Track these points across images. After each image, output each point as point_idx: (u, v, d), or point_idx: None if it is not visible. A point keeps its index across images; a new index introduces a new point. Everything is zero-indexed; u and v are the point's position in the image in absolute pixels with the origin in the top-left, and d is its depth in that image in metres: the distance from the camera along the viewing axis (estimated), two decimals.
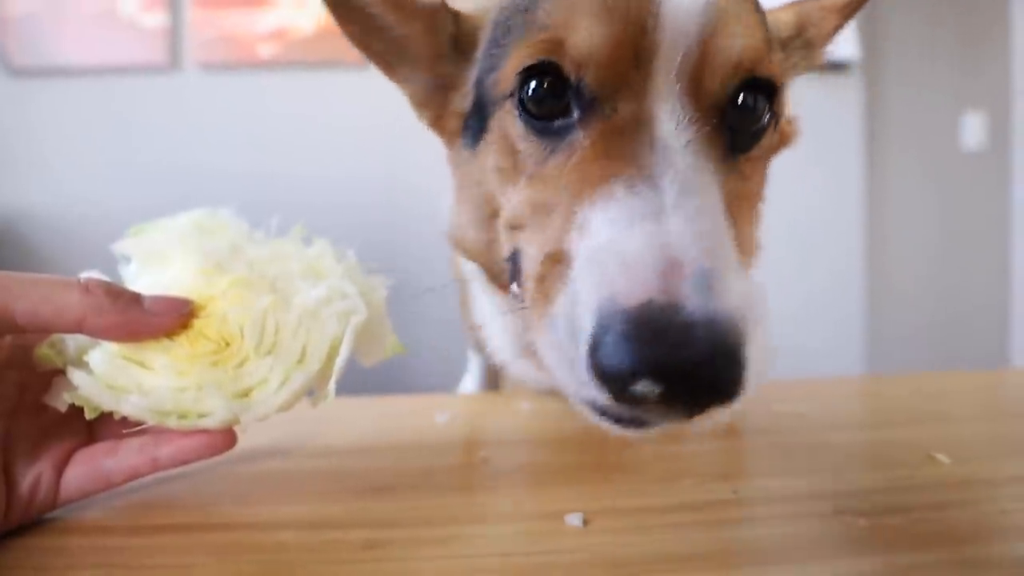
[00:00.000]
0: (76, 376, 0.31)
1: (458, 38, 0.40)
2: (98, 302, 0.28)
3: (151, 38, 1.88)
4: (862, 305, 1.82)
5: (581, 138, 0.29)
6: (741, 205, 0.30)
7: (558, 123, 0.30)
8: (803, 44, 0.41)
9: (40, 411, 0.31)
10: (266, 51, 1.90)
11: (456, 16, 0.41)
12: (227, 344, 0.32)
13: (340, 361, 0.33)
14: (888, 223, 2.15)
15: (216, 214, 0.38)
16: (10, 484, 0.29)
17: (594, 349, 0.21)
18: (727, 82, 0.29)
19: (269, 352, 0.32)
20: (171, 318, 0.31)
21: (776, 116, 0.32)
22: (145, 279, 0.35)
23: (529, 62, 0.30)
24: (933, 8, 2.17)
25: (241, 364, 0.32)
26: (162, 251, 0.36)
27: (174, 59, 1.90)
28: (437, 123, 0.42)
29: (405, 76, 0.42)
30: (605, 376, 0.20)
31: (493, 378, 0.73)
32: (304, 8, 1.91)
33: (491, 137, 0.34)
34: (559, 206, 0.28)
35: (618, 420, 0.24)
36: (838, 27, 0.42)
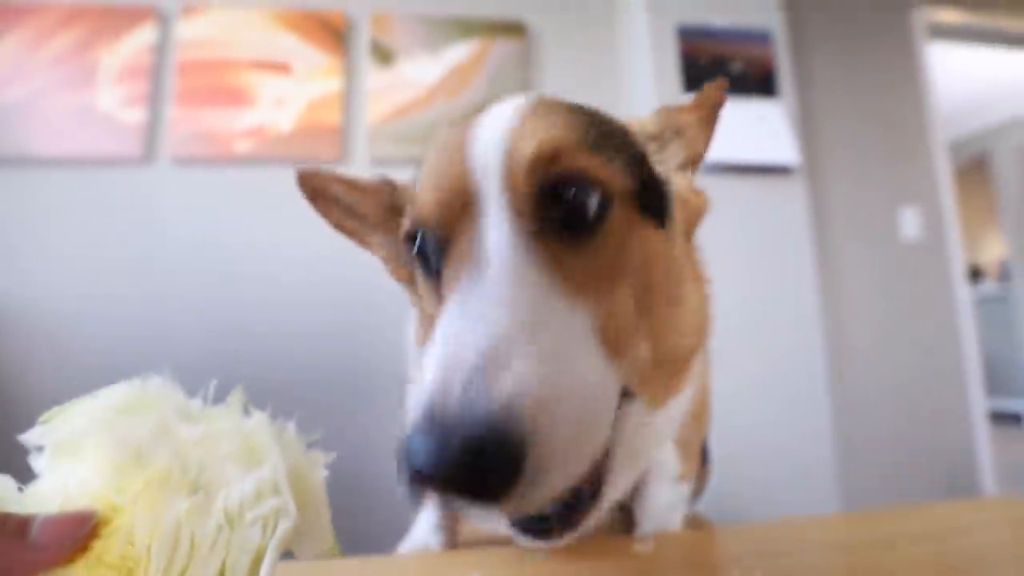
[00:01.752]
0: None
1: (394, 205, 0.49)
2: None
3: (127, 132, 1.92)
4: (824, 385, 1.85)
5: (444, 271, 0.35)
6: (607, 281, 0.34)
7: (437, 264, 0.37)
8: (673, 132, 0.47)
9: None
10: (242, 147, 1.95)
11: (393, 188, 0.50)
12: (130, 571, 0.27)
13: (266, 571, 0.29)
14: (842, 308, 2.24)
15: (145, 388, 0.33)
16: None
17: (403, 454, 0.25)
18: (531, 182, 0.34)
19: (182, 572, 0.28)
20: (63, 551, 0.26)
21: (609, 198, 0.35)
22: (51, 478, 0.30)
23: (407, 231, 0.39)
24: (860, 117, 2.43)
25: None
26: (76, 441, 0.31)
27: (149, 153, 1.92)
28: (397, 274, 0.50)
29: (374, 243, 0.51)
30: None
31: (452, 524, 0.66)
32: (284, 107, 1.99)
33: (418, 278, 0.42)
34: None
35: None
36: (704, 119, 0.48)
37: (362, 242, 0.51)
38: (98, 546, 0.27)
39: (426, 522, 0.65)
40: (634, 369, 0.35)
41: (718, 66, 1.91)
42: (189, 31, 2.00)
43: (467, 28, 2.15)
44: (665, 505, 0.60)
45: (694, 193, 0.46)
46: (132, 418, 0.31)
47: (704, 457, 0.80)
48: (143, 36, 1.98)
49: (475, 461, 0.23)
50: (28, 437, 0.31)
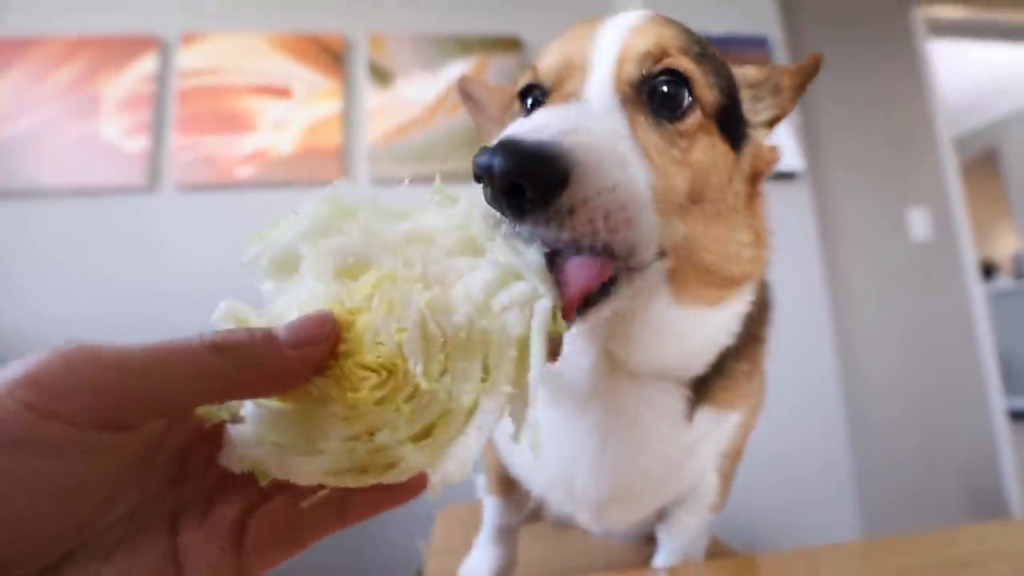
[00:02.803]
0: (237, 434, 0.26)
1: (509, 104, 0.56)
2: (228, 364, 0.24)
3: (131, 161, 1.93)
4: (838, 390, 1.82)
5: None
6: (677, 165, 0.40)
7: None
8: (771, 89, 0.52)
9: (204, 473, 0.27)
10: (244, 172, 1.96)
11: (512, 90, 0.56)
12: (388, 371, 0.25)
13: (534, 373, 0.25)
14: (853, 312, 2.21)
15: (341, 196, 0.30)
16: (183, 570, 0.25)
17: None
18: (636, 68, 0.41)
19: (443, 372, 0.25)
20: (317, 348, 0.25)
21: (700, 100, 0.42)
22: (281, 299, 0.29)
23: (520, 86, 0.48)
24: (864, 119, 2.40)
25: (412, 396, 0.25)
26: (290, 258, 0.29)
27: (152, 181, 1.94)
28: None
29: (492, 133, 0.59)
30: (476, 178, 0.30)
31: (510, 532, 0.68)
32: (284, 131, 2.01)
33: None
34: None
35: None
36: (798, 84, 0.53)
37: (482, 130, 0.61)
38: (349, 350, 0.25)
39: (486, 539, 0.67)
40: (667, 238, 0.40)
41: None
42: (189, 59, 2.02)
43: (464, 45, 2.15)
44: (693, 534, 0.60)
45: (768, 147, 0.51)
46: (341, 224, 0.29)
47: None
48: (144, 66, 2.00)
49: (528, 162, 0.29)
50: (245, 259, 0.30)
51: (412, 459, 0.25)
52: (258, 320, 0.29)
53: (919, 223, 2.37)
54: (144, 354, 0.23)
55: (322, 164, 1.99)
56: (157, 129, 1.97)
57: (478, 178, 0.30)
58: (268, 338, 0.25)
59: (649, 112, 0.41)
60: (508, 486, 0.64)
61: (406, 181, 0.35)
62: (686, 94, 0.42)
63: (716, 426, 0.53)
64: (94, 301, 1.85)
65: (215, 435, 0.27)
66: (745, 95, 0.50)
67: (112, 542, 0.24)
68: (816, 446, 1.77)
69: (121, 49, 2.01)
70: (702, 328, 0.46)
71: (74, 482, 0.21)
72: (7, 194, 1.90)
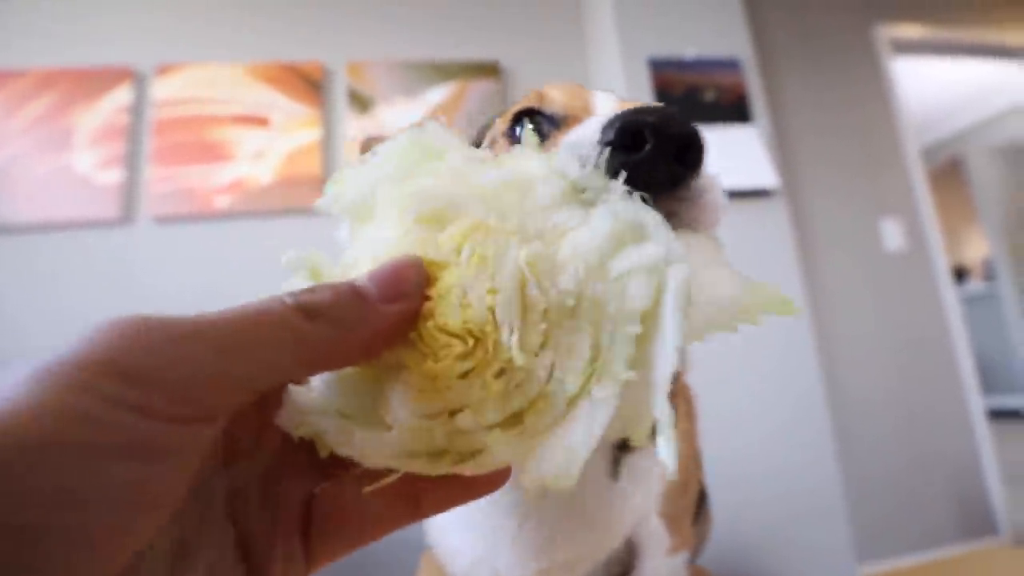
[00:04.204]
0: (298, 396, 0.22)
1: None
2: (323, 331, 0.19)
3: (105, 194, 1.90)
4: (821, 401, 1.84)
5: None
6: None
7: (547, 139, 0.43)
8: None
9: (258, 447, 0.23)
10: (222, 202, 1.94)
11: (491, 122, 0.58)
12: (476, 339, 0.21)
13: (666, 354, 0.20)
14: (833, 323, 2.25)
15: (424, 136, 0.26)
16: (251, 562, 0.21)
17: (617, 122, 0.26)
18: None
19: (542, 345, 0.21)
20: (411, 303, 0.21)
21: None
22: (356, 246, 0.25)
23: (520, 107, 0.46)
24: (834, 134, 2.47)
25: (503, 372, 0.21)
26: (367, 203, 0.25)
27: (128, 213, 1.91)
28: None
29: None
30: (622, 131, 0.26)
31: None
32: (263, 160, 1.99)
33: None
34: None
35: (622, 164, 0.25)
36: None
37: None
38: (431, 311, 0.21)
39: None
40: None
41: (692, 96, 1.95)
42: (165, 90, 2.01)
43: (443, 71, 2.17)
44: None
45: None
46: (422, 169, 0.25)
47: (703, 507, 0.78)
48: (119, 97, 1.98)
49: (688, 132, 0.26)
50: (319, 205, 0.26)
51: (499, 449, 0.21)
52: (332, 272, 0.24)
53: (892, 233, 2.44)
54: (230, 326, 0.18)
55: (302, 193, 1.97)
56: (132, 161, 1.95)
57: (622, 144, 0.25)
58: (358, 295, 0.21)
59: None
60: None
61: None
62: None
63: (643, 462, 0.52)
64: (71, 336, 1.80)
65: (266, 401, 0.23)
66: None
67: (173, 545, 0.19)
68: (803, 459, 1.78)
69: (95, 81, 1.98)
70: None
71: (161, 488, 0.17)
72: None
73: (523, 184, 0.23)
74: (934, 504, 2.18)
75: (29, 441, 0.14)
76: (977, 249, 5.48)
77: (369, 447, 0.21)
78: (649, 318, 0.21)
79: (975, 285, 5.03)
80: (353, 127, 2.07)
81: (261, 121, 2.02)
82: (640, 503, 0.54)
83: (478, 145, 0.54)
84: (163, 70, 2.02)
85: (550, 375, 0.21)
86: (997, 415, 4.03)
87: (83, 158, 1.92)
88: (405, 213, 0.23)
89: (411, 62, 2.17)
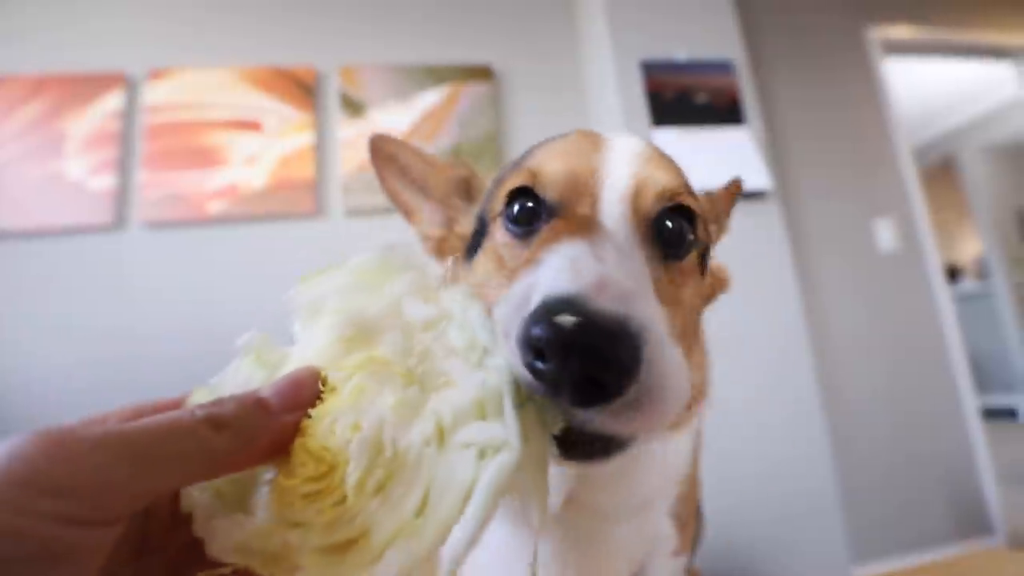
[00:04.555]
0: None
1: (469, 184, 0.54)
2: (227, 441, 0.22)
3: (97, 199, 1.89)
4: (817, 401, 1.85)
5: (546, 229, 0.38)
6: (674, 306, 0.37)
7: (530, 228, 0.39)
8: (715, 216, 0.54)
9: (166, 543, 0.25)
10: (215, 207, 1.93)
11: (471, 172, 0.55)
12: (329, 469, 0.23)
13: (464, 530, 0.22)
14: (827, 324, 2.26)
15: (392, 258, 0.30)
16: None
17: (525, 323, 0.24)
18: (655, 204, 0.39)
19: (377, 491, 0.23)
20: (300, 414, 0.25)
21: (697, 239, 0.41)
22: (298, 342, 0.29)
23: (514, 185, 0.41)
24: (827, 136, 2.49)
25: (340, 502, 0.23)
26: (319, 303, 0.29)
27: (120, 219, 1.90)
28: (438, 247, 0.55)
29: (423, 216, 0.56)
30: (525, 342, 0.24)
31: None
32: (256, 165, 1.99)
33: (486, 249, 0.43)
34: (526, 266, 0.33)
35: (550, 390, 0.25)
36: (729, 208, 0.56)
37: (408, 212, 0.57)
38: (306, 428, 0.24)
39: None
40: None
41: (684, 98, 1.95)
42: (157, 95, 2.00)
43: (436, 75, 2.18)
44: None
45: (720, 268, 0.53)
46: (370, 290, 0.29)
47: (698, 508, 0.78)
48: (110, 102, 1.97)
49: (609, 347, 0.23)
50: (287, 299, 0.30)
51: (312, 571, 0.22)
52: (274, 357, 0.28)
53: (885, 234, 2.45)
54: (143, 436, 0.20)
55: (295, 197, 1.97)
56: (124, 166, 1.94)
57: (537, 349, 0.24)
58: (260, 405, 0.24)
59: (657, 249, 0.38)
60: None
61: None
62: (689, 233, 0.40)
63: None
64: (64, 342, 1.79)
65: (177, 503, 0.25)
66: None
67: None
68: (798, 459, 1.79)
69: (86, 86, 1.98)
70: (668, 455, 0.46)
71: None
72: None
73: (441, 325, 0.27)
74: (929, 505, 2.19)
75: None
76: (970, 248, 5.51)
77: (220, 538, 0.23)
78: (472, 487, 0.23)
79: (968, 284, 5.05)
80: (346, 131, 2.07)
81: (254, 125, 2.02)
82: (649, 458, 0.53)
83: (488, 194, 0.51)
84: (155, 75, 2.01)
85: (374, 520, 0.22)
86: (991, 414, 4.05)
87: (75, 164, 1.91)
88: (333, 328, 0.27)
89: (403, 66, 2.17)
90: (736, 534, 1.68)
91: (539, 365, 0.24)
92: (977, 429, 2.35)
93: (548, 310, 0.24)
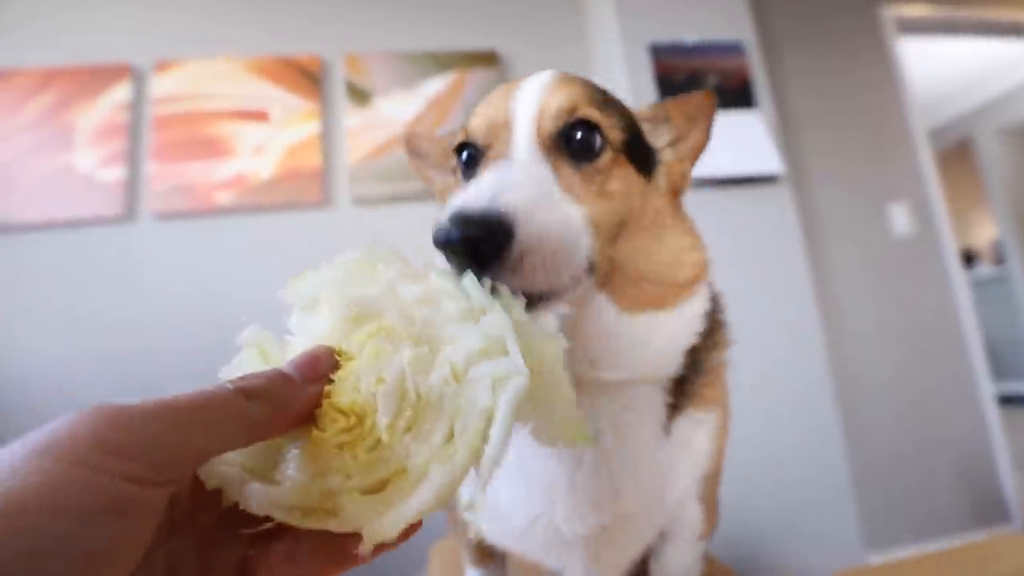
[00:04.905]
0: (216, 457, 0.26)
1: (449, 149, 0.60)
2: (259, 408, 0.25)
3: (107, 191, 1.90)
4: (829, 387, 1.83)
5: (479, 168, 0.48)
6: (600, 198, 0.47)
7: (474, 171, 0.50)
8: (663, 119, 0.59)
9: (195, 519, 0.27)
10: (223, 198, 1.94)
11: (452, 138, 0.61)
12: (359, 419, 0.26)
13: (491, 447, 0.25)
14: (840, 309, 2.23)
15: (373, 253, 0.34)
16: None
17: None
18: (554, 122, 0.48)
19: (407, 430, 0.26)
20: (321, 385, 0.28)
21: (608, 142, 0.49)
22: (298, 332, 0.32)
23: (456, 142, 0.53)
24: (840, 118, 2.44)
25: (374, 447, 0.26)
26: (314, 299, 0.32)
27: (129, 210, 1.91)
28: (441, 198, 0.65)
29: (434, 178, 0.66)
30: (434, 243, 0.35)
31: None
32: (263, 155, 1.99)
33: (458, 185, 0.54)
34: None
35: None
36: (688, 113, 0.60)
37: (425, 177, 0.67)
38: (331, 391, 0.27)
39: None
40: (602, 260, 0.45)
41: (693, 81, 1.92)
42: (164, 86, 2.00)
43: (441, 62, 2.16)
44: (684, 566, 0.59)
45: (677, 163, 0.58)
46: (362, 278, 0.32)
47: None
48: (118, 94, 1.97)
49: (478, 230, 0.34)
50: (282, 295, 0.33)
51: (353, 509, 0.25)
52: (275, 350, 0.31)
53: (900, 218, 2.40)
54: (187, 406, 0.23)
55: (302, 186, 1.97)
56: (133, 158, 1.95)
57: (439, 247, 0.35)
58: (287, 378, 0.27)
59: (568, 157, 0.47)
60: (486, 556, 0.65)
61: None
62: (597, 138, 0.48)
63: (691, 435, 0.55)
64: (74, 334, 1.81)
65: (201, 487, 0.27)
66: (645, 127, 0.57)
67: None
68: (811, 447, 1.77)
69: (94, 79, 1.98)
70: (659, 331, 0.50)
71: (130, 544, 0.21)
72: None
73: (435, 298, 0.31)
74: (944, 491, 2.16)
75: (18, 507, 0.18)
76: (986, 232, 5.41)
77: (256, 497, 0.26)
78: (489, 416, 0.26)
79: (984, 269, 4.96)
80: (352, 120, 2.06)
81: (260, 115, 2.01)
82: (686, 472, 0.55)
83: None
84: (162, 66, 2.01)
85: (408, 454, 0.26)
86: (1008, 401, 3.99)
87: (84, 156, 1.92)
88: (335, 311, 0.30)
89: (408, 53, 2.15)
90: (748, 520, 1.67)
91: (446, 256, 0.34)
92: (993, 415, 2.32)
93: (439, 221, 0.35)
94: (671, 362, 0.51)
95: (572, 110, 0.48)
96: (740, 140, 1.88)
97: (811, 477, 1.74)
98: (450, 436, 0.26)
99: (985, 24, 2.89)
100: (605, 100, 0.52)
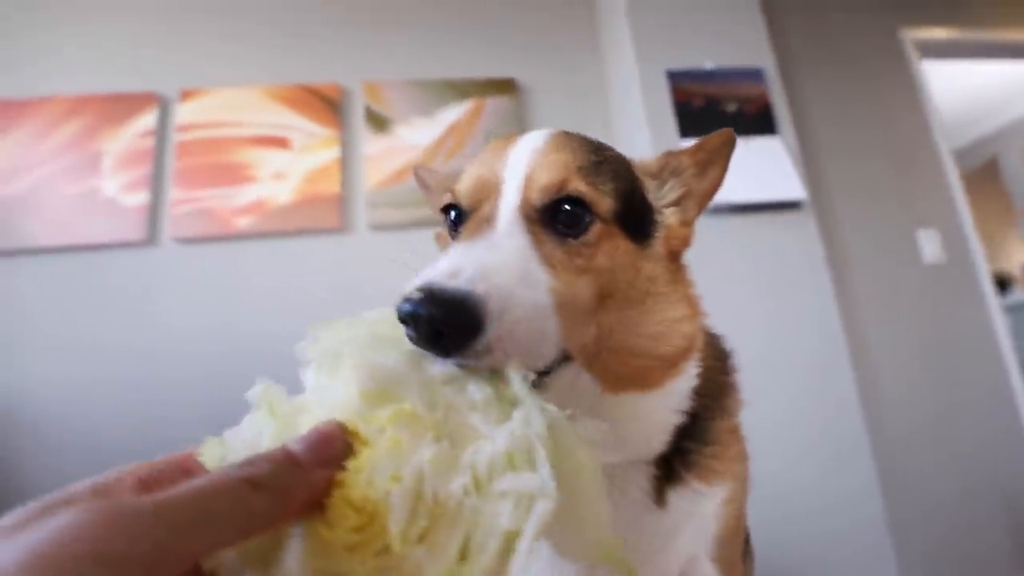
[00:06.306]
0: None
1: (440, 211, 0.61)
2: (266, 499, 0.23)
3: (130, 216, 1.93)
4: (860, 421, 1.74)
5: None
6: (584, 273, 0.44)
7: (459, 232, 0.48)
8: (672, 172, 0.56)
9: None
10: (243, 223, 1.96)
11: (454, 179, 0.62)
12: (369, 518, 0.24)
13: (515, 570, 0.24)
14: (869, 338, 2.15)
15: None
16: None
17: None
18: (541, 197, 0.46)
19: (420, 539, 0.24)
20: (331, 470, 0.26)
21: (598, 215, 0.47)
22: (313, 391, 0.30)
23: (443, 203, 0.52)
24: (863, 143, 2.39)
25: (382, 551, 0.24)
26: (335, 358, 0.30)
27: (151, 235, 1.94)
28: (441, 240, 0.64)
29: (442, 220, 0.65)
30: (399, 316, 0.33)
31: None
32: (283, 180, 2.01)
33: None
34: None
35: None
36: (703, 160, 0.57)
37: (434, 208, 0.65)
38: (344, 483, 0.25)
39: None
40: (577, 335, 0.43)
41: (712, 108, 1.90)
42: (188, 114, 2.05)
43: (459, 89, 2.17)
44: None
45: (681, 226, 0.55)
46: (388, 345, 0.31)
47: (747, 544, 0.73)
48: (144, 121, 2.02)
49: (446, 315, 0.32)
50: (299, 348, 0.32)
51: None
52: (285, 408, 0.29)
53: (929, 245, 2.33)
54: (190, 503, 0.22)
55: (321, 212, 1.98)
56: (156, 183, 1.98)
57: (403, 321, 0.33)
58: (295, 462, 0.25)
59: (553, 231, 0.45)
60: None
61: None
62: (586, 213, 0.46)
63: (694, 507, 0.52)
64: (94, 357, 1.82)
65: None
66: (649, 185, 0.55)
67: None
68: (842, 489, 1.68)
69: (122, 106, 2.04)
70: (642, 411, 0.49)
71: None
72: (6, 253, 1.90)
73: (461, 381, 0.30)
74: (987, 532, 2.04)
75: None
76: (1017, 254, 5.24)
77: None
78: (510, 539, 0.24)
79: (1020, 294, 4.79)
80: (371, 147, 2.08)
81: (281, 142, 2.04)
82: (689, 542, 0.52)
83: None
84: (187, 95, 2.06)
85: (419, 568, 0.23)
86: None
87: (110, 181, 1.96)
88: (355, 382, 0.28)
89: (427, 81, 2.17)
90: (779, 567, 1.58)
91: (408, 331, 0.33)
92: None
93: (406, 293, 0.33)
94: (656, 442, 0.50)
95: (560, 185, 0.46)
96: (761, 166, 1.85)
97: (843, 518, 1.65)
98: (464, 551, 0.24)
99: (1006, 46, 2.83)
100: (600, 164, 0.50)
